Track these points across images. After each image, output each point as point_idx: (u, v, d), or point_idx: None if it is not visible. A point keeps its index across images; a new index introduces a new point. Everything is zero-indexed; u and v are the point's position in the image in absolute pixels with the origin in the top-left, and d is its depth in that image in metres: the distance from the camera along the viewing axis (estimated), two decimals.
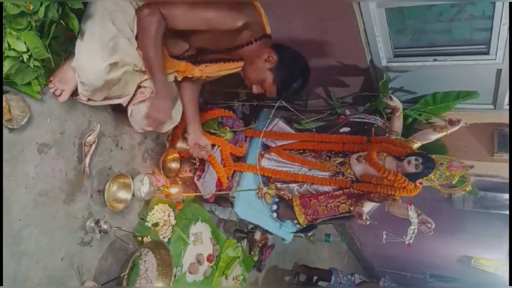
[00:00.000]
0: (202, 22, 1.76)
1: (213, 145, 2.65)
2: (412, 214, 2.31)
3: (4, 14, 1.36)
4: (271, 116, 2.82)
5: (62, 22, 1.54)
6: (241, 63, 1.96)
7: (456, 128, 2.51)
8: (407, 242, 2.31)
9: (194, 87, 2.22)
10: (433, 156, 2.45)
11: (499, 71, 2.72)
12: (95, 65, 1.62)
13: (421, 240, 2.45)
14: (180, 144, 2.50)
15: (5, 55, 1.43)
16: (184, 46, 1.94)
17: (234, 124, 2.80)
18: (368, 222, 2.39)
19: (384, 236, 2.43)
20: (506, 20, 2.37)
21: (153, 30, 1.73)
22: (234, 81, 2.92)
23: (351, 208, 2.60)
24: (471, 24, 2.62)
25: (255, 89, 1.95)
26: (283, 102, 2.60)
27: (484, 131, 3.13)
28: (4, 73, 1.45)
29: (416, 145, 2.59)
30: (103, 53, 1.62)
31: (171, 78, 2.05)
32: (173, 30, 1.84)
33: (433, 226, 2.26)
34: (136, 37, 1.80)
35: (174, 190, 2.40)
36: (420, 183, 2.45)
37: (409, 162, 2.41)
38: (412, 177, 2.42)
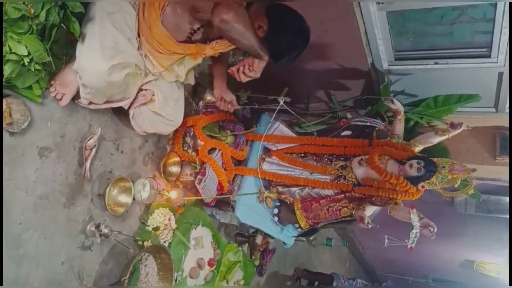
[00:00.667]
0: None
1: (214, 149, 2.65)
2: (414, 217, 2.30)
3: (5, 17, 1.36)
4: (272, 120, 2.82)
5: (63, 25, 1.54)
6: None
7: (458, 131, 2.49)
8: (409, 246, 2.29)
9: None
10: (435, 159, 2.44)
11: (500, 74, 2.71)
12: (96, 66, 1.62)
13: (423, 244, 2.44)
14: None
15: (6, 58, 1.43)
16: (189, 27, 1.86)
17: (235, 128, 2.80)
18: (370, 226, 2.38)
19: (386, 240, 2.42)
20: (507, 23, 2.37)
21: (244, 18, 1.68)
22: (234, 84, 2.92)
23: (353, 212, 2.59)
24: (473, 27, 2.62)
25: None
26: (284, 105, 2.59)
27: (486, 134, 3.12)
28: (5, 77, 1.45)
29: (418, 149, 2.58)
30: (104, 55, 1.62)
31: (171, 78, 2.05)
32: (180, 17, 1.81)
33: (435, 229, 2.25)
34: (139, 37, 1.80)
35: (173, 194, 2.39)
36: (422, 186, 2.44)
37: (411, 166, 2.40)
38: (414, 180, 2.41)
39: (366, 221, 2.39)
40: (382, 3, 2.48)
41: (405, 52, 2.92)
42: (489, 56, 2.64)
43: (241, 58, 2.45)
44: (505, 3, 2.26)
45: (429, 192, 2.53)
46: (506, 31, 2.42)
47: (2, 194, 1.53)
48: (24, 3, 1.37)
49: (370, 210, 2.57)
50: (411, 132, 2.97)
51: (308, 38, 1.85)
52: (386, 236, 2.42)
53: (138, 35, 1.83)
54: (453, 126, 2.50)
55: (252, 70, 1.85)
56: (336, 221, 2.70)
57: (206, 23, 1.84)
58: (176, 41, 1.86)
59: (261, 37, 1.77)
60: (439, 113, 3.03)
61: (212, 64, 2.28)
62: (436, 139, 2.57)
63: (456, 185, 2.41)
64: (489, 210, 5.08)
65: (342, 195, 2.63)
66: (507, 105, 2.95)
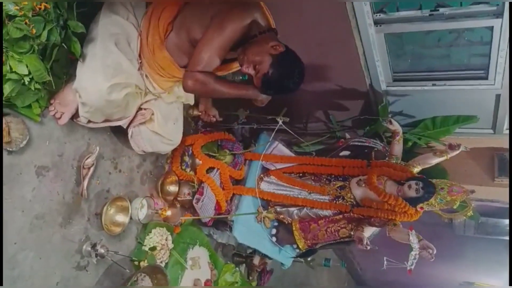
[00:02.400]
0: (227, 42, 1.77)
1: (212, 168, 2.64)
2: (413, 239, 2.28)
3: (7, 37, 1.38)
4: (270, 139, 2.82)
5: (64, 45, 1.55)
6: None
7: (456, 152, 2.50)
8: (408, 268, 2.27)
9: None
10: (434, 180, 2.44)
11: (498, 96, 2.73)
12: (96, 85, 1.63)
13: (423, 266, 2.42)
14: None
15: (6, 77, 1.44)
16: (190, 54, 1.91)
17: (233, 147, 2.80)
18: (368, 247, 2.36)
19: (385, 262, 2.39)
20: (504, 46, 2.40)
21: (210, 85, 1.81)
22: (234, 103, 2.93)
23: (352, 233, 2.57)
24: (469, 49, 2.65)
25: (245, 68, 1.83)
26: (283, 125, 2.60)
27: (484, 155, 3.12)
28: (5, 96, 1.46)
29: (416, 169, 2.58)
30: (105, 74, 1.64)
31: (171, 98, 2.06)
32: (183, 43, 1.86)
33: (435, 251, 2.23)
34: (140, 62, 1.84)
35: (168, 212, 2.37)
36: (421, 207, 2.43)
37: (409, 187, 2.40)
38: (413, 201, 2.40)
39: (365, 242, 2.37)
40: (380, 26, 2.51)
41: (403, 73, 2.94)
42: (486, 78, 2.66)
43: (240, 78, 2.48)
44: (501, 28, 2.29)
45: (428, 214, 2.51)
46: (503, 53, 2.45)
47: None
48: (26, 23, 1.39)
49: (368, 231, 2.55)
50: (409, 153, 2.97)
51: (300, 84, 1.89)
52: (385, 258, 2.40)
53: (139, 56, 1.85)
54: (451, 147, 2.50)
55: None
56: (334, 242, 2.68)
57: None
58: (178, 66, 1.88)
59: (271, 54, 1.79)
60: (437, 134, 3.04)
61: None
62: (435, 160, 2.57)
63: (455, 207, 2.39)
64: (488, 232, 5.05)
65: (341, 216, 2.61)
66: (505, 126, 2.96)
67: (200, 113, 2.53)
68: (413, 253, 2.27)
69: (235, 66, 2.02)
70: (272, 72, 1.77)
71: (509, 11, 2.21)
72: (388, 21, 2.51)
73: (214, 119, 2.54)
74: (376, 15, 2.49)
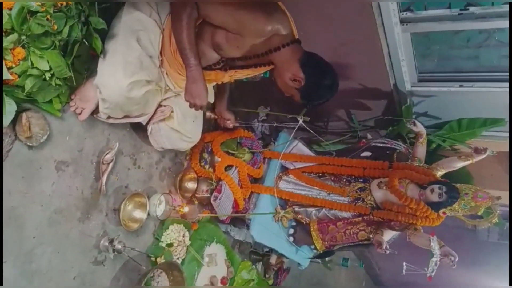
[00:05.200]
0: (233, 21, 1.72)
1: (231, 166, 2.63)
2: (435, 245, 2.21)
3: (28, 33, 1.38)
4: (290, 138, 2.78)
5: (85, 41, 1.55)
6: (270, 66, 1.93)
7: (482, 156, 2.41)
8: (428, 275, 2.21)
9: None
10: (458, 185, 2.36)
11: None
12: (117, 81, 1.63)
13: (443, 270, 2.35)
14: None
15: (28, 73, 1.44)
16: (213, 57, 1.91)
17: (253, 145, 2.78)
18: (388, 252, 2.31)
19: (404, 267, 2.33)
20: None
21: (185, 14, 1.69)
22: (254, 101, 2.91)
23: (371, 236, 2.52)
24: (500, 51, 2.55)
25: (287, 94, 1.94)
26: (303, 124, 2.56)
27: None
28: (25, 91, 1.46)
29: (440, 173, 2.50)
30: (125, 71, 1.63)
31: None
32: (205, 47, 1.84)
33: (457, 259, 2.16)
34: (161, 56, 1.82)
35: (186, 208, 2.37)
36: (444, 212, 2.35)
37: (432, 191, 2.33)
38: (435, 206, 2.33)
39: (384, 247, 2.32)
40: (407, 25, 2.44)
41: (429, 73, 2.86)
42: None
43: (261, 75, 2.46)
44: None
45: (451, 217, 2.44)
46: None
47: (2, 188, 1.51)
48: (47, 19, 1.39)
49: (388, 235, 2.49)
50: (433, 156, 2.89)
51: (336, 92, 1.94)
52: (404, 263, 2.34)
53: (160, 53, 1.84)
54: (477, 151, 2.41)
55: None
56: (353, 244, 2.64)
57: (229, 60, 1.89)
58: None
59: (296, 88, 1.86)
60: (463, 136, 2.95)
61: (217, 85, 2.27)
62: (459, 164, 2.49)
63: (479, 213, 2.31)
64: None
65: (360, 218, 2.57)
66: None
67: (216, 117, 2.46)
68: (434, 259, 2.21)
69: (255, 72, 2.01)
70: (305, 99, 1.90)
71: (509, 11, 2.12)
72: (415, 20, 2.43)
73: (231, 125, 2.47)
74: (403, 14, 2.42)
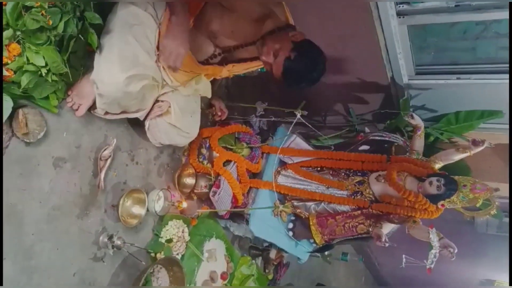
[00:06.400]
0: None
1: (229, 161, 2.63)
2: (434, 237, 2.22)
3: (23, 28, 1.37)
4: (288, 132, 2.78)
5: (81, 37, 1.55)
6: None
7: (480, 148, 2.41)
8: (428, 267, 2.22)
9: None
10: (456, 177, 2.36)
11: None
12: (114, 77, 1.62)
13: (442, 262, 2.36)
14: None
15: (23, 69, 1.43)
16: (209, 50, 1.89)
17: (251, 140, 2.78)
18: (387, 245, 2.31)
19: (404, 259, 2.34)
20: None
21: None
22: (252, 96, 2.90)
23: (370, 229, 2.52)
24: (497, 42, 2.55)
25: (265, 56, 1.75)
26: (301, 118, 2.56)
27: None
28: (22, 87, 1.45)
29: (438, 166, 2.51)
30: (122, 65, 1.62)
31: (188, 91, 2.04)
32: (202, 38, 1.81)
33: (456, 250, 2.17)
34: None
35: (184, 204, 2.37)
36: (442, 205, 2.36)
37: (430, 183, 2.34)
38: (434, 198, 2.34)
39: (383, 239, 2.32)
40: (403, 17, 2.43)
41: (426, 66, 2.86)
42: None
43: (259, 70, 2.46)
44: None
45: (449, 210, 2.45)
46: None
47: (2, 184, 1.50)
48: (42, 14, 1.38)
49: (387, 228, 2.50)
50: (431, 148, 2.90)
51: (322, 74, 1.80)
52: (403, 256, 2.35)
53: (157, 47, 1.83)
54: (475, 143, 2.41)
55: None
56: (352, 237, 2.64)
57: (226, 51, 1.86)
58: (195, 61, 1.86)
59: (292, 41, 1.71)
60: (460, 129, 2.96)
61: None
62: (457, 156, 2.50)
63: (477, 205, 2.32)
64: None
65: (359, 212, 2.57)
66: None
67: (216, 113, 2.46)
68: (433, 251, 2.22)
69: (252, 66, 1.98)
70: (295, 56, 1.69)
71: (509, 11, 2.12)
72: (412, 12, 2.44)
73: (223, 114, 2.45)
74: (399, 6, 2.42)
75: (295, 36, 1.73)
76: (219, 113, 2.48)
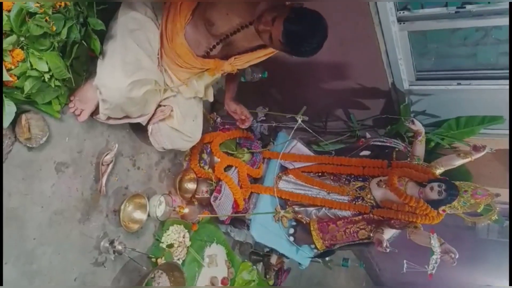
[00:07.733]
0: None
1: (230, 166, 2.63)
2: (435, 243, 2.22)
3: (27, 34, 1.38)
4: (289, 138, 2.79)
5: (84, 42, 1.56)
6: (269, 50, 1.84)
7: (481, 154, 2.41)
8: (429, 273, 2.22)
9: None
10: (457, 182, 2.36)
11: None
12: (117, 82, 1.63)
13: (443, 268, 2.36)
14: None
15: (27, 74, 1.44)
16: (208, 41, 1.85)
17: (252, 145, 2.78)
18: (388, 250, 2.31)
19: (405, 265, 2.34)
20: None
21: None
22: (252, 101, 2.91)
23: (371, 235, 2.52)
24: (497, 48, 2.56)
25: (263, 25, 1.64)
26: (302, 123, 2.56)
27: None
28: (25, 93, 1.46)
29: (439, 171, 2.51)
30: (125, 71, 1.63)
31: (190, 93, 2.05)
32: (200, 31, 1.80)
33: (457, 256, 2.17)
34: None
35: (185, 209, 2.37)
36: (443, 210, 2.36)
37: (431, 188, 2.33)
38: (435, 204, 2.34)
39: (384, 245, 2.32)
40: (404, 23, 2.45)
41: (426, 72, 2.87)
42: None
43: (260, 76, 2.45)
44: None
45: (450, 216, 2.44)
46: None
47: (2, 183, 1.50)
48: (46, 20, 1.39)
49: (388, 233, 2.50)
50: (432, 154, 2.90)
51: (322, 41, 1.67)
52: (405, 261, 2.35)
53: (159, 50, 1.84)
54: (476, 148, 2.42)
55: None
56: (353, 243, 2.64)
57: (224, 39, 1.84)
58: (194, 55, 1.86)
59: (288, 5, 1.65)
60: (461, 134, 2.96)
61: (227, 83, 2.24)
62: (458, 162, 2.49)
63: (479, 210, 2.32)
64: None
65: (360, 217, 2.57)
66: None
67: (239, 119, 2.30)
68: (434, 257, 2.21)
69: (254, 57, 1.93)
70: (294, 17, 1.58)
71: (509, 11, 2.13)
72: (412, 19, 2.45)
73: (244, 118, 2.28)
74: (400, 12, 2.43)
75: (293, 4, 1.65)
76: (243, 117, 2.27)
